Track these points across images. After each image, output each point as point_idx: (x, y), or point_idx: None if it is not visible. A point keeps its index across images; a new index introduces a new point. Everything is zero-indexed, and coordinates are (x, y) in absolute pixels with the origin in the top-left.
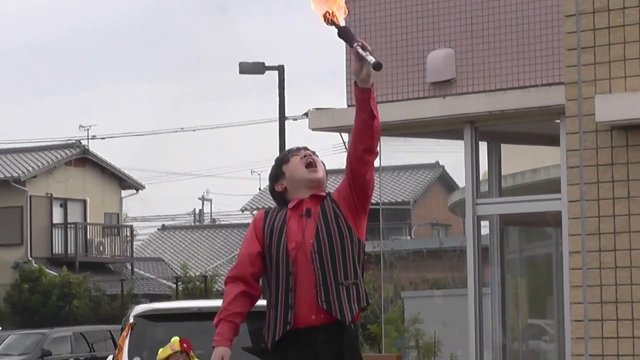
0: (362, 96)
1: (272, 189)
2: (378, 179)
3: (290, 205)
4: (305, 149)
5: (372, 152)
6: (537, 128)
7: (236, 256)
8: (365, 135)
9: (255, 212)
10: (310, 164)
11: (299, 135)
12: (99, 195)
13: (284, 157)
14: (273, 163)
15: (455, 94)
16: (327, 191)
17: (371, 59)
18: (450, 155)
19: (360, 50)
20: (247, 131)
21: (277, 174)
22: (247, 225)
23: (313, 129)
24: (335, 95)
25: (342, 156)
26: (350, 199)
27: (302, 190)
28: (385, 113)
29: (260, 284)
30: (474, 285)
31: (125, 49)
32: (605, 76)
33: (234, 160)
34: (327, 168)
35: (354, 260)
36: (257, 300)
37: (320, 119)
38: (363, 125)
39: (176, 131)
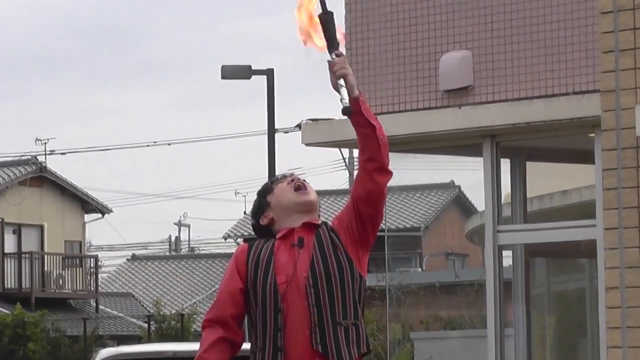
0: (353, 109)
1: (256, 225)
2: None
3: (278, 235)
4: (292, 175)
5: (384, 171)
6: (568, 143)
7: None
8: (371, 152)
9: (240, 240)
10: (300, 187)
11: (291, 150)
12: (59, 220)
13: (268, 187)
14: (255, 197)
15: (472, 103)
16: (321, 220)
17: (345, 99)
18: (468, 174)
19: (334, 72)
20: (230, 145)
21: (261, 205)
22: (230, 255)
23: (307, 144)
24: (333, 104)
25: (342, 174)
26: (353, 228)
27: (292, 217)
28: (391, 125)
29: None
30: (495, 325)
31: (90, 50)
32: None
33: (215, 180)
34: (326, 188)
35: (354, 297)
36: (239, 348)
37: (315, 132)
38: (366, 140)
39: (148, 145)
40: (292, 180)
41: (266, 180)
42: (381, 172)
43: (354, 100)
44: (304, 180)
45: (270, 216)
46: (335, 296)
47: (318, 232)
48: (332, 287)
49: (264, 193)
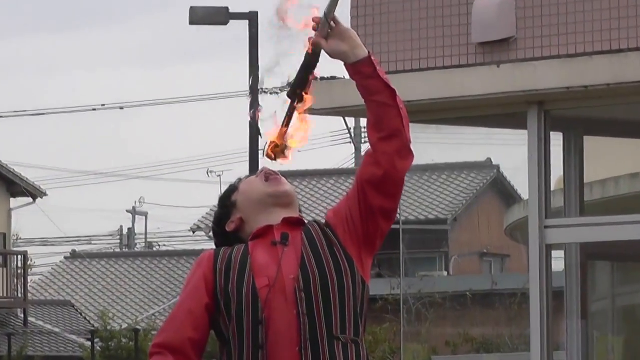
0: (365, 72)
1: (221, 237)
2: None
3: (252, 235)
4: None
5: (407, 152)
6: (638, 113)
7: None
8: (391, 127)
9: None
10: (271, 175)
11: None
12: None
13: (231, 187)
14: (217, 204)
15: (515, 60)
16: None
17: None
18: (508, 152)
19: (316, 33)
20: (202, 110)
21: (225, 208)
22: (199, 253)
23: (300, 113)
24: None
25: (346, 149)
26: (355, 222)
27: (267, 212)
28: (409, 88)
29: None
30: (541, 346)
31: None
32: None
33: (181, 154)
34: (326, 167)
35: (355, 307)
36: None
37: (311, 95)
38: (383, 112)
39: (95, 109)
40: (262, 171)
41: (247, 154)
42: (404, 154)
43: (363, 60)
44: (276, 172)
45: (238, 216)
46: (332, 303)
47: (307, 228)
48: (328, 291)
49: (228, 194)
